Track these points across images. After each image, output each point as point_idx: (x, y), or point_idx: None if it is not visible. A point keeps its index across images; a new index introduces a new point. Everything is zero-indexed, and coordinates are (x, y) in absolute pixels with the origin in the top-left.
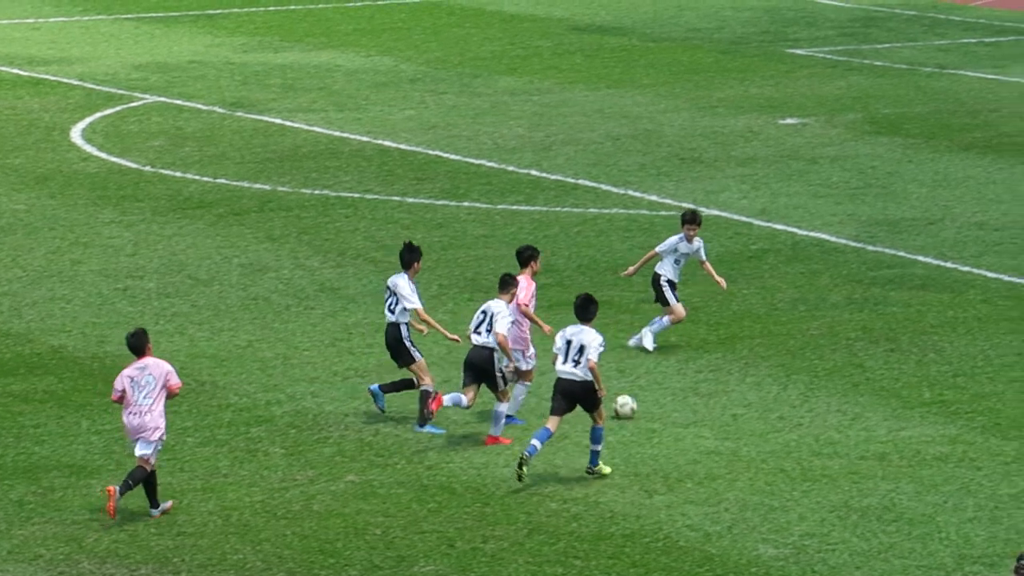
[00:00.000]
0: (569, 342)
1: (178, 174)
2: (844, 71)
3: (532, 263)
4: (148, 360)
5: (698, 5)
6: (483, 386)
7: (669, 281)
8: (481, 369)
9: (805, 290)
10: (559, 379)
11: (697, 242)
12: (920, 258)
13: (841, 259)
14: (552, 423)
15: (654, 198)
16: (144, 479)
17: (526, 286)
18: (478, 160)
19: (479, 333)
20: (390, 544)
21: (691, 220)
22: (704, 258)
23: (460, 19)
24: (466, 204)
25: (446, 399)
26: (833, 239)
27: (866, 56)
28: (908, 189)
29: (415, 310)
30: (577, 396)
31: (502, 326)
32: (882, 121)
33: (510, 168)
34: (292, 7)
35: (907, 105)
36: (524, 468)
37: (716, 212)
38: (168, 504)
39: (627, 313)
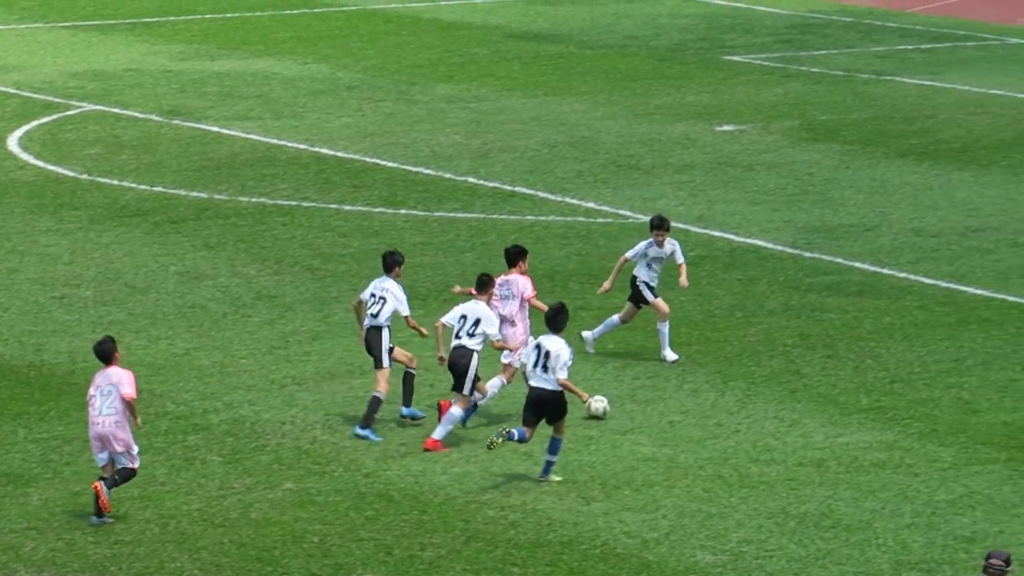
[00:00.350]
0: (539, 347)
1: (115, 182)
2: (781, 78)
3: (521, 261)
4: (112, 368)
5: (635, 13)
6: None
7: (645, 283)
8: (455, 367)
9: (742, 297)
10: (530, 387)
11: (671, 245)
12: (857, 264)
13: (778, 266)
14: (527, 433)
15: (591, 205)
16: (128, 476)
17: (527, 280)
18: (415, 167)
19: (459, 336)
20: (328, 552)
21: (659, 226)
22: (682, 260)
23: (397, 27)
24: (403, 211)
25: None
26: (770, 246)
27: (803, 63)
28: (845, 196)
29: (405, 316)
30: (545, 406)
31: (494, 331)
32: (819, 128)
33: (447, 175)
34: (229, 15)
35: (844, 112)
36: (498, 441)
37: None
38: (110, 520)
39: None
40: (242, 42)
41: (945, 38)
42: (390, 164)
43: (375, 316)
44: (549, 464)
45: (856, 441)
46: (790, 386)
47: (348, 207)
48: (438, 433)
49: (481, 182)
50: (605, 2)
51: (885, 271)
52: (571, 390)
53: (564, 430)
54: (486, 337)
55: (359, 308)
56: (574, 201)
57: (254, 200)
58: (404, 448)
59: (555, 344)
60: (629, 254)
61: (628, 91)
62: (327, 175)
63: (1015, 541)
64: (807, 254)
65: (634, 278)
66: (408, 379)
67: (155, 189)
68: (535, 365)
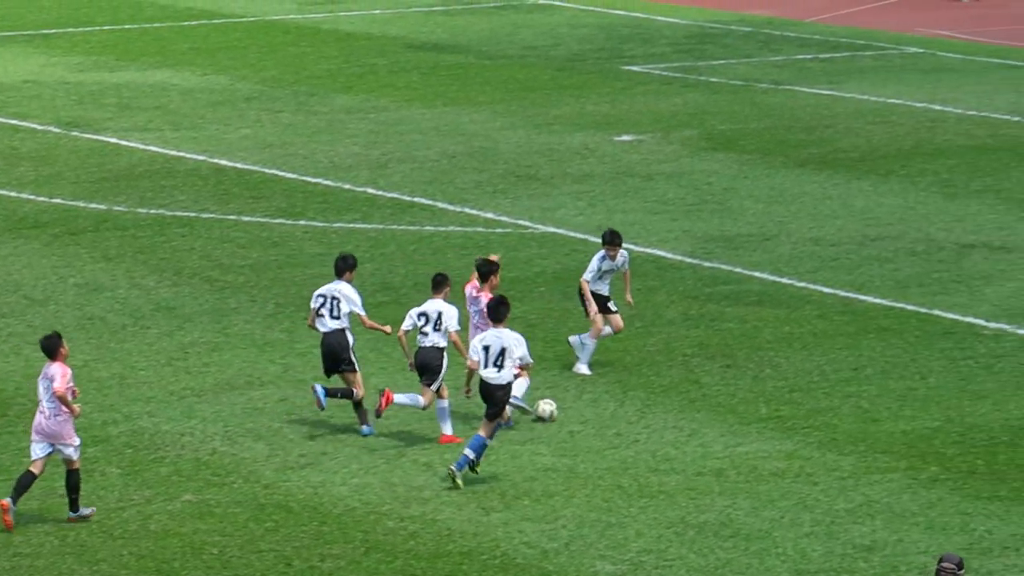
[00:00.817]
0: (488, 347)
1: (13, 194)
2: (680, 88)
3: (493, 276)
4: (52, 364)
5: (534, 23)
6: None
7: (595, 295)
8: (428, 367)
9: (641, 307)
10: (482, 382)
11: (622, 256)
12: (756, 274)
13: (677, 275)
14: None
15: (490, 215)
16: (76, 483)
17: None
18: (314, 178)
19: (425, 334)
20: (227, 563)
21: (611, 241)
22: (627, 269)
23: (296, 37)
24: (302, 222)
25: (403, 398)
26: (669, 255)
27: (702, 72)
28: (744, 205)
29: (359, 316)
30: (491, 398)
31: (453, 324)
32: (718, 137)
33: (346, 186)
34: (127, 27)
35: (743, 121)
36: (457, 481)
37: (552, 229)
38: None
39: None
40: (140, 54)
41: (843, 47)
42: (289, 175)
43: (336, 318)
44: (465, 458)
45: (755, 450)
46: (689, 396)
47: (247, 218)
48: (445, 428)
49: (380, 193)
50: (504, 12)
51: (784, 280)
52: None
53: (493, 433)
54: (447, 330)
55: (313, 319)
56: (473, 212)
57: (153, 212)
58: (304, 459)
59: (507, 339)
60: (588, 276)
61: (527, 101)
62: (226, 186)
63: (914, 550)
64: (706, 264)
65: (579, 293)
66: (360, 406)
67: (53, 201)
68: (487, 363)
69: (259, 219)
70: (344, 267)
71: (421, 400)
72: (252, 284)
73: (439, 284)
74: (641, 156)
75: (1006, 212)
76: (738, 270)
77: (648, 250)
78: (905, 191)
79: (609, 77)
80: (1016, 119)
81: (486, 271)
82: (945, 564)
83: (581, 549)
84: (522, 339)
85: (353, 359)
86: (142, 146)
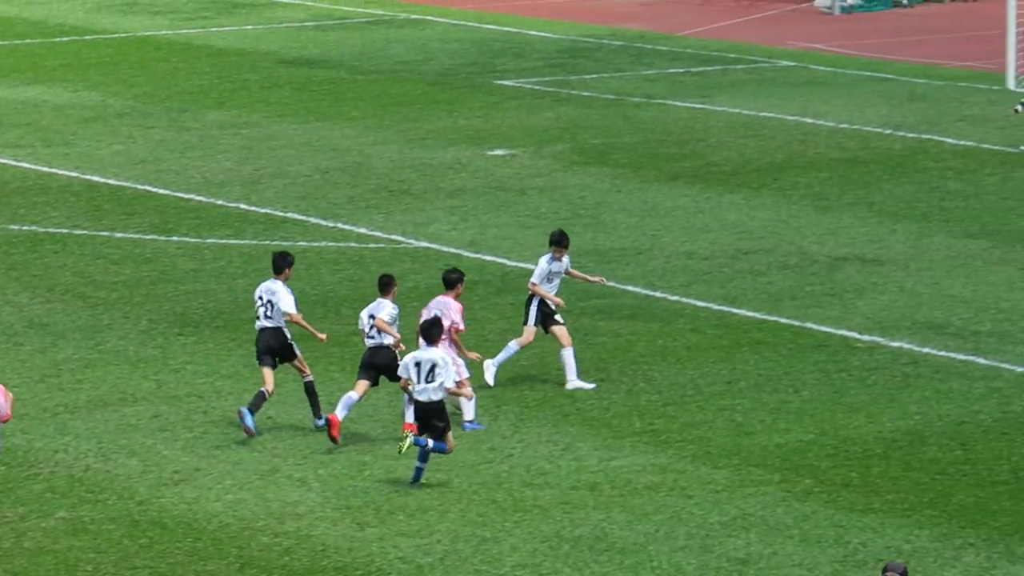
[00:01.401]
0: (419, 364)
1: None
2: (552, 102)
3: (458, 285)
4: None
5: (406, 38)
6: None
7: (541, 301)
8: (384, 366)
9: (515, 321)
10: (416, 402)
11: (566, 258)
12: (629, 288)
13: None
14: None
15: (363, 230)
16: None
17: (458, 308)
18: (187, 194)
19: (372, 337)
20: None
21: (558, 242)
22: (570, 268)
23: (167, 53)
24: (175, 239)
25: (340, 413)
26: None
27: (574, 87)
28: (617, 219)
29: (289, 314)
30: (429, 416)
31: (387, 314)
32: (591, 151)
33: (219, 202)
34: None
35: (615, 135)
36: (403, 445)
37: (425, 244)
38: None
39: (338, 346)
40: (11, 70)
41: (716, 61)
42: (162, 191)
43: (269, 317)
44: (419, 471)
45: (630, 464)
46: (563, 410)
47: (120, 234)
48: (339, 412)
49: (253, 208)
50: (376, 28)
51: (657, 294)
52: (456, 393)
53: (451, 445)
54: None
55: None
56: (346, 227)
57: (25, 228)
58: (178, 475)
59: (435, 356)
60: (536, 279)
61: (400, 116)
62: (98, 203)
63: (788, 563)
64: None
65: (530, 298)
66: (311, 387)
67: None
68: (419, 378)
69: (132, 235)
70: (283, 264)
71: (355, 397)
72: (125, 300)
73: (386, 286)
74: (514, 170)
75: (878, 225)
76: (611, 284)
77: (522, 264)
78: (778, 204)
79: (481, 91)
80: (887, 132)
81: (454, 279)
82: (889, 574)
83: (456, 564)
84: (449, 360)
85: (294, 348)
86: (14, 162)
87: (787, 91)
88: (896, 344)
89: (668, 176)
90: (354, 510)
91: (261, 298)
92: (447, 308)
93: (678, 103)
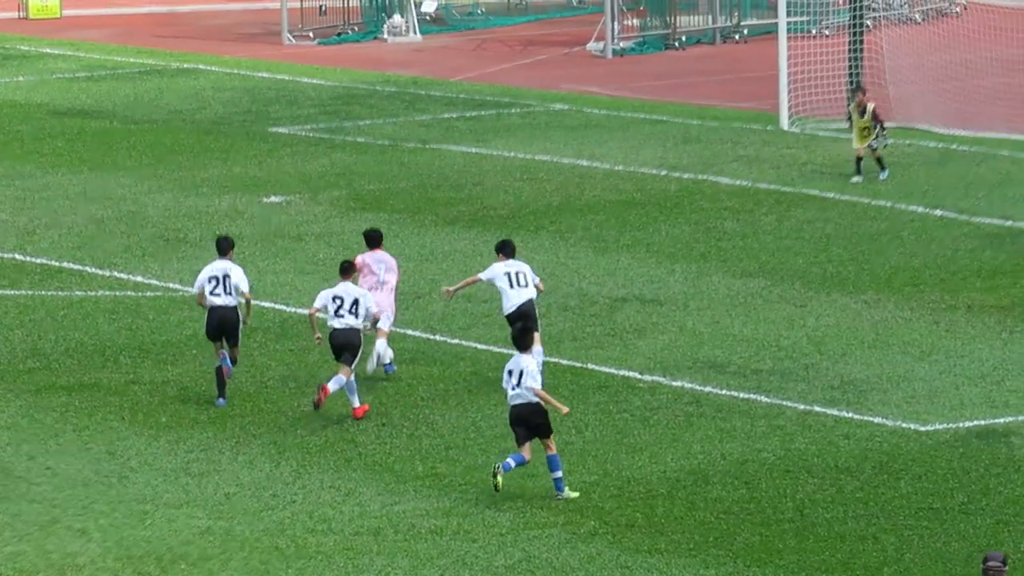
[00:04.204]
0: (511, 372)
1: None
2: (327, 148)
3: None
4: None
5: (178, 87)
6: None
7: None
8: (350, 345)
9: (295, 367)
10: (511, 406)
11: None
12: (409, 332)
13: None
14: (526, 451)
15: (140, 279)
16: None
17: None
18: None
19: (341, 316)
20: None
21: (502, 249)
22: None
23: None
24: None
25: (332, 385)
26: (322, 315)
27: (348, 133)
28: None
29: (244, 292)
30: (527, 419)
31: (373, 305)
32: (366, 197)
33: None
34: None
35: (391, 181)
36: (498, 479)
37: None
38: None
39: (116, 395)
40: None
41: (489, 105)
42: None
43: (229, 294)
44: (558, 481)
45: (413, 508)
46: (345, 455)
47: None
48: (355, 401)
49: (28, 259)
50: (148, 77)
51: (437, 338)
52: (543, 399)
53: (555, 444)
54: (368, 314)
55: (203, 298)
56: (123, 275)
57: None
58: None
59: (524, 362)
60: (484, 276)
61: (174, 164)
62: None
63: None
64: None
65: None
66: (221, 373)
67: None
68: (511, 385)
69: None
70: (227, 246)
71: (343, 378)
72: None
73: (347, 270)
74: (290, 217)
75: (656, 265)
76: (393, 328)
77: (300, 311)
78: (556, 246)
79: (256, 139)
80: (663, 173)
81: (379, 236)
82: (991, 563)
83: None
84: (537, 364)
85: (239, 334)
86: None
87: (562, 134)
88: (678, 384)
89: (445, 220)
90: (135, 560)
91: (216, 277)
92: (390, 264)
93: (453, 147)
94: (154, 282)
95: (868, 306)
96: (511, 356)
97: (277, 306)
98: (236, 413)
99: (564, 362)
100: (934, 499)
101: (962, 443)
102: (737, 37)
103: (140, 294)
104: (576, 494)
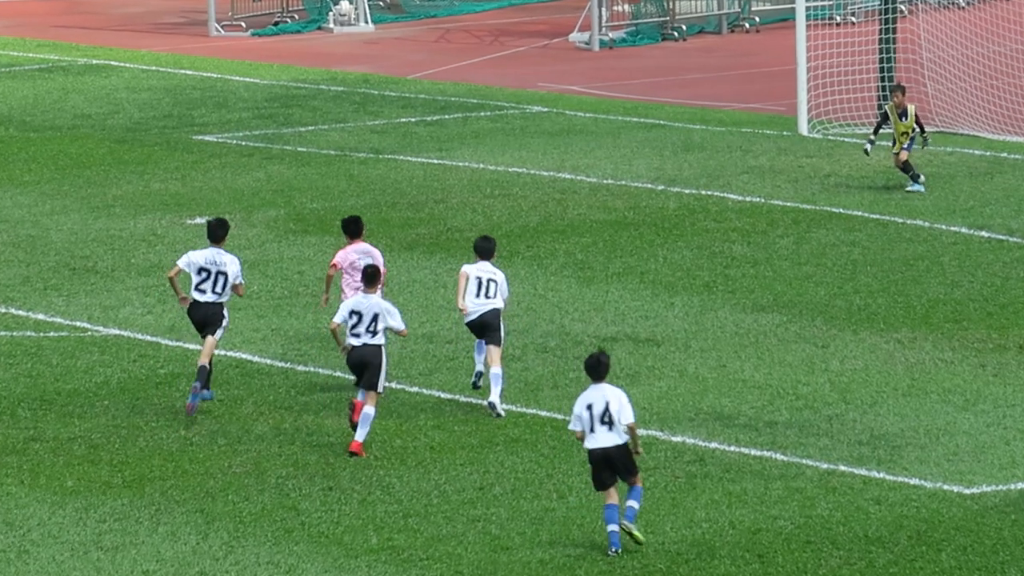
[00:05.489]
0: (591, 406)
1: None
2: (262, 159)
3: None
4: None
5: (86, 87)
6: None
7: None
8: (372, 368)
9: (224, 421)
10: (598, 449)
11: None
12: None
13: (266, 382)
14: (612, 497)
15: (41, 317)
16: None
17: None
18: None
19: (358, 335)
20: None
21: (477, 249)
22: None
23: None
24: None
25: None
26: (256, 359)
27: (287, 141)
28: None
29: (239, 285)
30: (618, 461)
31: (398, 323)
32: (309, 217)
33: None
34: None
35: (338, 198)
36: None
37: (116, 331)
38: None
39: (13, 455)
40: None
41: (454, 108)
42: None
43: (219, 294)
44: (633, 510)
45: None
46: (285, 525)
47: None
48: (360, 435)
49: None
50: (51, 76)
51: (394, 386)
52: (634, 436)
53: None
54: (388, 330)
55: (175, 279)
56: (20, 312)
57: None
58: None
59: (610, 393)
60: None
61: (82, 180)
62: None
63: None
64: (300, 368)
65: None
66: (203, 373)
67: None
68: (593, 423)
69: None
70: (222, 232)
71: (373, 410)
72: None
73: (372, 278)
74: None
75: (652, 298)
76: (339, 374)
77: (230, 353)
78: (533, 276)
79: (178, 149)
80: (660, 188)
81: (354, 225)
82: None
83: None
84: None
85: (222, 329)
86: None
87: (540, 142)
88: (678, 439)
89: (402, 245)
90: None
91: (207, 270)
92: (376, 256)
93: (412, 158)
94: (58, 320)
95: (902, 346)
96: (580, 390)
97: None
98: (155, 475)
99: (543, 413)
100: (981, 574)
101: (1014, 508)
102: (747, 25)
103: (42, 334)
104: (643, 538)
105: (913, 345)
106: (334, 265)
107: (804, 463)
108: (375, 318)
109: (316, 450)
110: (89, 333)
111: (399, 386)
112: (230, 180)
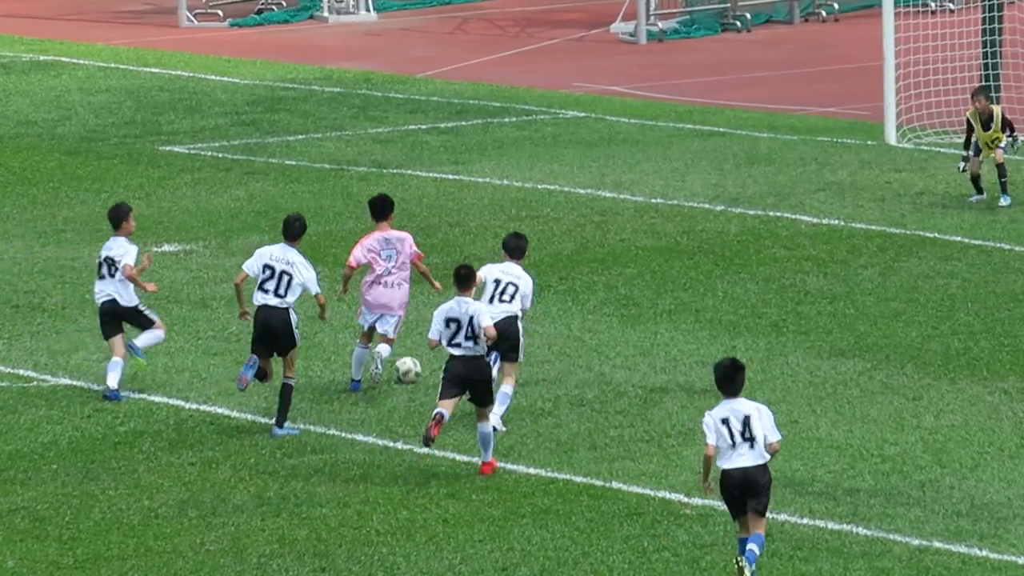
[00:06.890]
0: (727, 420)
1: None
2: (243, 175)
3: (391, 213)
4: None
5: (33, 89)
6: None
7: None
8: (484, 381)
9: (197, 488)
10: (734, 469)
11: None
12: (359, 437)
13: (247, 442)
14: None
15: None
16: None
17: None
18: None
19: (457, 344)
20: None
21: (506, 245)
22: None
23: None
24: None
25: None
26: (235, 414)
27: (273, 153)
28: (339, 340)
29: (318, 294)
30: (757, 483)
31: (487, 320)
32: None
33: None
34: None
35: (333, 221)
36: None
37: (66, 381)
38: None
39: None
40: None
41: (473, 112)
42: None
43: (282, 296)
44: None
45: None
46: None
47: None
48: (487, 455)
49: None
50: None
51: (398, 445)
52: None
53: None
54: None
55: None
56: None
57: None
58: None
59: (748, 407)
60: (481, 273)
61: (26, 199)
62: None
63: None
64: (286, 425)
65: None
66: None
67: None
68: (734, 441)
69: None
70: (300, 229)
71: (490, 428)
72: None
73: (466, 279)
74: (191, 273)
75: (709, 340)
76: (333, 432)
77: (205, 407)
78: (568, 314)
79: (142, 162)
80: (718, 208)
81: (390, 204)
82: None
83: None
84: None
85: (296, 337)
86: None
87: (575, 153)
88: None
89: (412, 278)
90: None
91: (272, 268)
92: (403, 243)
93: (422, 173)
94: None
95: (1009, 397)
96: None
97: (172, 401)
98: (113, 554)
99: (577, 479)
100: None
101: None
102: (823, 13)
103: None
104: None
105: (1022, 397)
106: (350, 265)
107: (891, 538)
108: (471, 321)
109: (307, 523)
110: (35, 383)
111: (406, 446)
112: (204, 200)
